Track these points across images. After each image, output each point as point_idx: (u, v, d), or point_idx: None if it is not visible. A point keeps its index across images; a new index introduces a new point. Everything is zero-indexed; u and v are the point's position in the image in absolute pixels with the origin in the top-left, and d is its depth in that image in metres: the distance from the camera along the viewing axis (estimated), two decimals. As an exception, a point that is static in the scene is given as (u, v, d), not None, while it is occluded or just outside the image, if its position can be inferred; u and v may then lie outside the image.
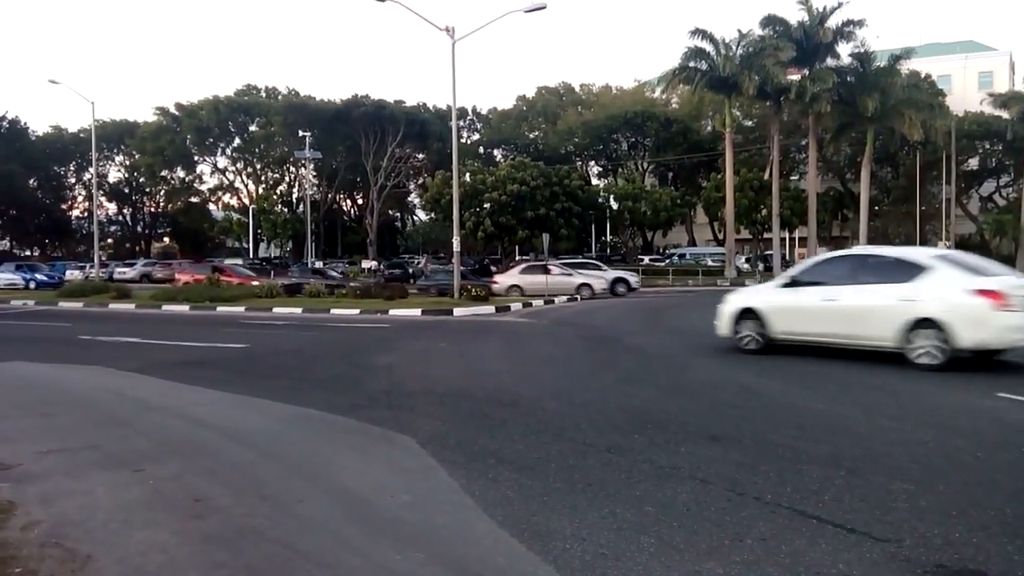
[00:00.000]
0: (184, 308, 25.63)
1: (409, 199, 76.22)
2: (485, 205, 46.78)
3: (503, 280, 31.53)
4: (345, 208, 78.12)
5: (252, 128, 68.06)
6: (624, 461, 6.09)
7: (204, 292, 27.91)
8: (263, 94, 70.67)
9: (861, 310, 11.33)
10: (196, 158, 70.33)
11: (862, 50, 46.18)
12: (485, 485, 5.49)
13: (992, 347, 10.61)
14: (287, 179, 72.93)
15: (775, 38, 46.07)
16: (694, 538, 4.42)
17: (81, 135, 65.98)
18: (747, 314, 12.78)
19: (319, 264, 51.01)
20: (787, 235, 56.71)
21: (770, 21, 46.74)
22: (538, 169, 48.11)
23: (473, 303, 24.89)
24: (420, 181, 69.55)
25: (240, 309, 24.82)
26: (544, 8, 25.98)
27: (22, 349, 14.81)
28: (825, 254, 14.97)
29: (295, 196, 71.44)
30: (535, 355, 13.58)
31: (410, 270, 46.27)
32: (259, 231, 61.96)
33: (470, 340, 16.03)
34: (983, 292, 10.35)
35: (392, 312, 22.97)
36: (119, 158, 72.39)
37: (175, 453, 6.61)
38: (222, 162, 71.17)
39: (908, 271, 11.11)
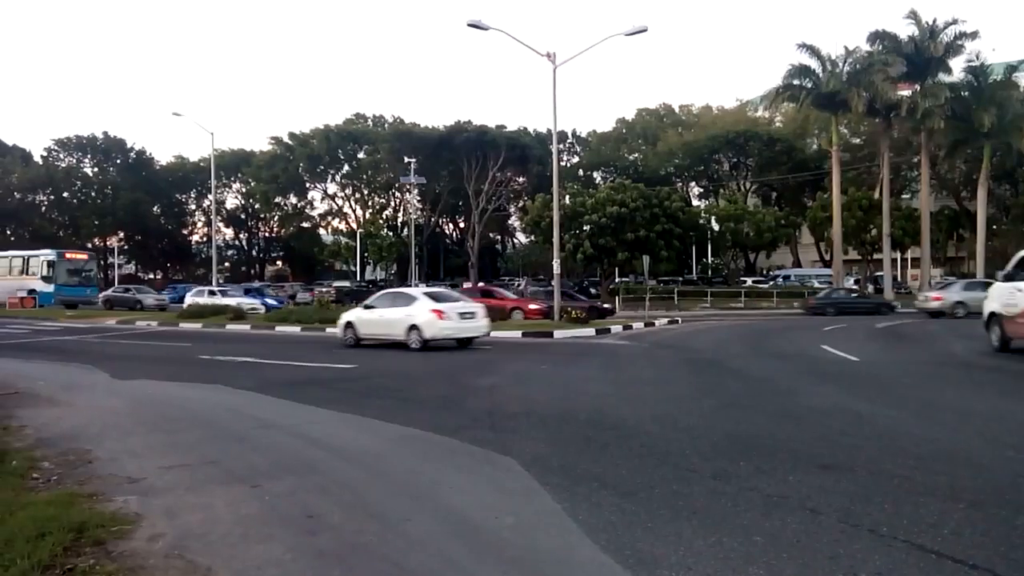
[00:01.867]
0: (295, 329, 26.58)
1: (509, 222, 76.97)
2: (585, 227, 46.72)
3: None
4: (447, 231, 79.52)
5: (360, 155, 70.37)
6: (730, 488, 5.96)
7: (314, 314, 28.91)
8: (370, 123, 72.98)
9: (390, 319, 19.61)
10: (307, 185, 73.17)
11: (976, 63, 44.15)
12: (588, 509, 5.48)
13: (438, 339, 19.05)
14: (392, 204, 74.87)
15: (884, 53, 44.54)
16: (806, 571, 4.29)
17: (201, 164, 69.67)
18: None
19: (421, 286, 51.95)
20: (899, 255, 54.33)
21: (878, 36, 45.26)
22: (638, 191, 47.75)
23: (573, 325, 24.87)
24: (520, 204, 70.16)
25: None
26: (645, 31, 25.94)
27: (147, 368, 15.68)
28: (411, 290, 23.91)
29: (400, 220, 73.22)
30: (636, 378, 13.46)
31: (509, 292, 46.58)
32: (366, 254, 63.79)
33: (571, 362, 16.02)
34: (434, 311, 18.98)
35: (493, 334, 23.19)
36: (236, 185, 75.97)
37: (289, 470, 6.86)
38: (332, 188, 73.88)
39: (409, 299, 19.96)
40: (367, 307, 20.72)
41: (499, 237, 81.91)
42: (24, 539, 4.85)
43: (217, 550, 4.79)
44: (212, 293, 37.58)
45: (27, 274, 43.67)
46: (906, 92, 45.17)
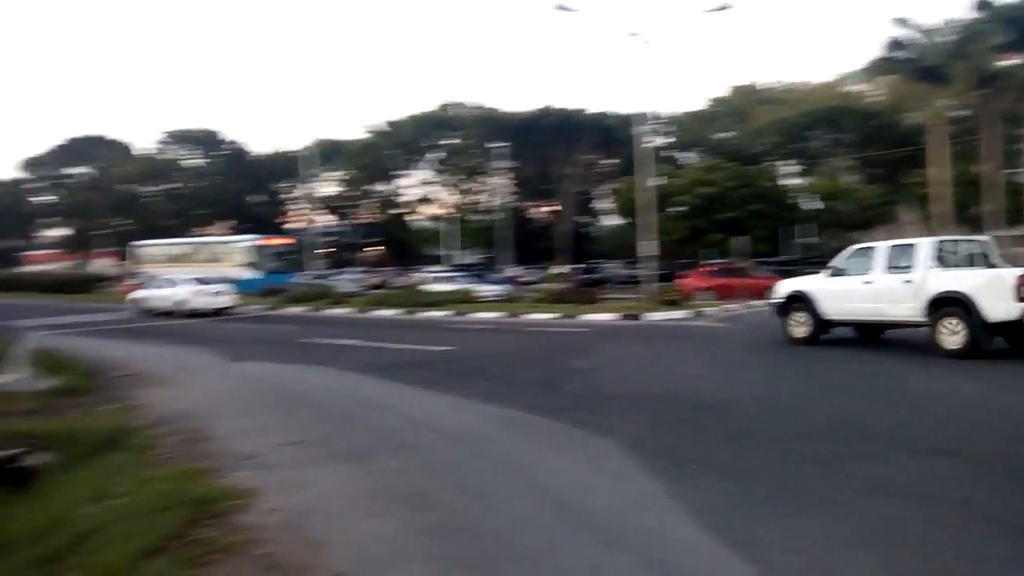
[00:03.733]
0: (392, 312, 27.19)
1: (599, 204, 76.46)
2: (676, 208, 46.07)
3: None
4: (537, 215, 79.63)
5: (450, 142, 71.09)
6: (836, 473, 5.85)
7: (410, 297, 29.47)
8: (459, 109, 73.60)
9: None
10: (400, 172, 74.40)
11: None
12: (689, 491, 5.48)
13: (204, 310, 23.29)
14: (483, 189, 75.43)
15: (986, 22, 42.11)
16: (924, 559, 4.19)
17: (300, 153, 71.77)
18: None
19: (513, 271, 52.17)
20: (1009, 232, 51.38)
21: (982, 6, 42.78)
22: (730, 170, 46.66)
23: (667, 307, 24.58)
24: (609, 186, 69.60)
25: (442, 313, 25.98)
26: (731, 7, 25.26)
27: (257, 350, 16.35)
28: None
29: (490, 205, 73.73)
30: (733, 360, 13.25)
31: (601, 275, 46.24)
32: (457, 239, 64.55)
33: (666, 344, 15.90)
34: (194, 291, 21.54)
35: (585, 317, 23.16)
36: (332, 174, 77.91)
37: (394, 449, 7.09)
38: (423, 175, 74.87)
39: None
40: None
41: (589, 220, 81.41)
42: (151, 511, 5.19)
43: (331, 524, 5.02)
44: (450, 279, 35.09)
45: (227, 261, 41.77)
46: (1013, 61, 42.71)
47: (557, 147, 61.91)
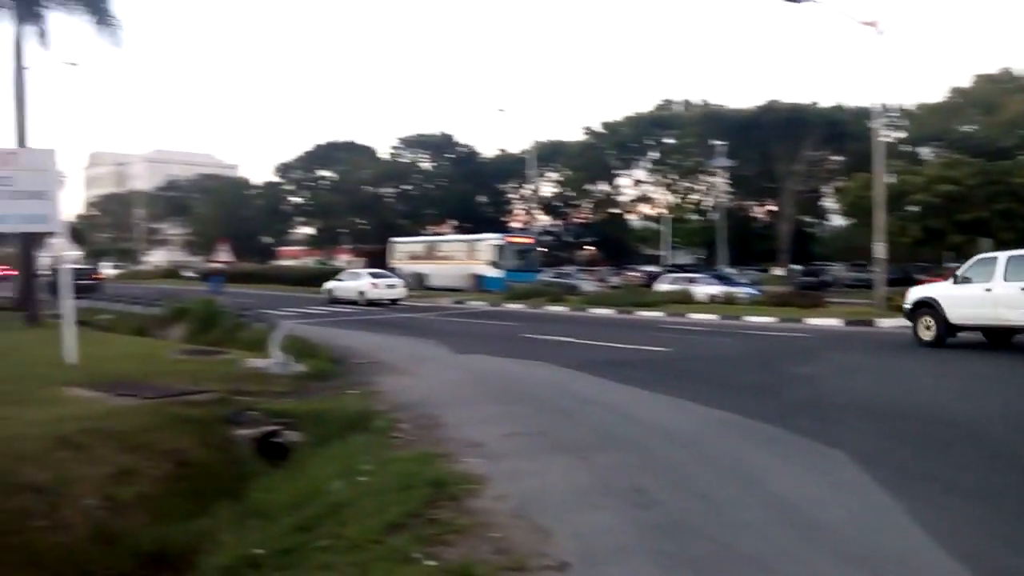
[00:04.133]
0: (608, 311, 27.35)
1: (823, 204, 72.27)
2: (911, 208, 42.49)
3: None
4: (756, 214, 76.67)
5: (668, 140, 70.18)
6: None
7: (626, 296, 29.51)
8: (678, 107, 72.46)
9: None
10: (617, 172, 74.52)
11: None
12: (930, 511, 5.13)
13: (381, 300, 31.11)
14: (700, 188, 73.81)
15: None
16: None
17: (521, 155, 73.91)
18: None
19: (729, 271, 50.57)
20: None
21: None
22: (975, 166, 42.28)
23: (899, 313, 22.82)
24: (836, 184, 65.55)
25: (658, 314, 25.77)
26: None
27: (480, 344, 17.09)
28: None
29: (707, 204, 72.00)
30: (973, 373, 12.14)
31: (825, 278, 43.79)
32: (673, 239, 63.61)
33: (896, 353, 14.84)
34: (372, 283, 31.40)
35: (809, 321, 22.08)
36: (552, 175, 79.51)
37: (614, 445, 7.18)
38: (640, 174, 74.50)
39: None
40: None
41: (812, 220, 77.26)
42: (395, 490, 5.62)
43: (555, 514, 5.18)
44: (690, 280, 32.92)
45: (473, 259, 42.42)
46: None
47: (781, 143, 59.19)
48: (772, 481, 5.95)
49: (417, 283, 42.74)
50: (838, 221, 69.24)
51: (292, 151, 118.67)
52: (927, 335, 15.31)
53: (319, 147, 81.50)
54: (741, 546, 4.57)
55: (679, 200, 70.87)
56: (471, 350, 15.79)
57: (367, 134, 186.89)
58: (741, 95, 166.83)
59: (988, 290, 14.03)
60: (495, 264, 40.73)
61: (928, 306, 15.40)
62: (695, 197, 73.67)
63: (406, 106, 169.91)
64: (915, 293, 16.31)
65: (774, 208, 70.20)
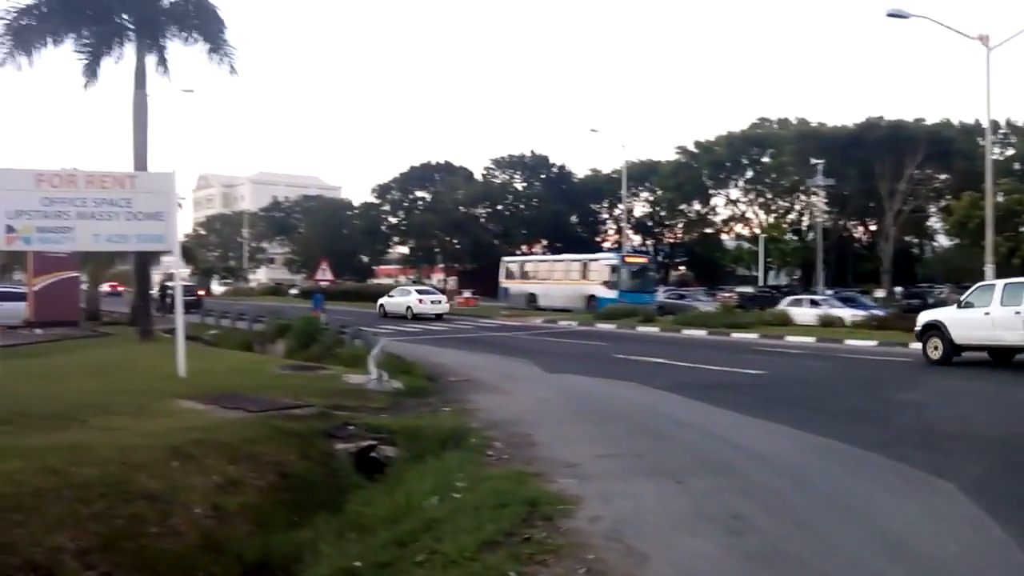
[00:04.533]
0: (702, 332, 26.90)
1: (928, 223, 69.30)
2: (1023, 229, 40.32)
3: None
4: (856, 235, 74.14)
5: (764, 159, 68.76)
6: None
7: (720, 318, 28.99)
8: (774, 126, 70.96)
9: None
10: (711, 191, 73.39)
11: None
12: (1050, 548, 4.84)
13: (426, 314, 34.39)
14: (797, 207, 71.95)
15: None
16: None
17: (613, 175, 73.67)
18: None
19: (826, 293, 48.85)
20: None
21: None
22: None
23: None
24: (942, 204, 62.81)
25: (753, 336, 25.20)
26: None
27: (570, 363, 17.08)
28: None
29: (804, 224, 70.06)
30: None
31: (930, 300, 41.83)
32: (768, 259, 62.07)
33: (1010, 380, 14.11)
34: (418, 299, 35.07)
35: (914, 345, 21.18)
36: (644, 194, 78.97)
37: (709, 469, 7.06)
38: (734, 194, 73.13)
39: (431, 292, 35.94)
40: None
41: (916, 240, 74.17)
42: (490, 507, 5.67)
43: (650, 538, 5.12)
44: (814, 303, 31.69)
45: (587, 279, 41.15)
46: None
47: (883, 161, 57.11)
48: (875, 511, 5.74)
49: (527, 303, 42.33)
50: (943, 241, 66.45)
51: (391, 172, 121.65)
52: (935, 354, 16.62)
53: (414, 168, 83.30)
54: (843, 578, 4.42)
55: (775, 220, 69.18)
56: (562, 369, 15.80)
57: (461, 155, 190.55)
58: (839, 112, 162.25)
59: (987, 314, 15.57)
60: (610, 284, 39.42)
61: (936, 328, 16.81)
62: (792, 217, 71.88)
63: (499, 126, 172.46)
64: (924, 317, 17.78)
65: (875, 228, 67.80)
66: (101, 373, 12.93)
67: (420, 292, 37.71)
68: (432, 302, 35.95)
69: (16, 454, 6.27)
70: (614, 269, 39.89)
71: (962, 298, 17.26)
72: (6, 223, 11.24)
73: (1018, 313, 14.91)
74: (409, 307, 35.28)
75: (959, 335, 16.17)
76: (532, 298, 42.69)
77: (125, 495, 6.02)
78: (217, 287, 72.66)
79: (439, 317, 35.19)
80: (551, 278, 43.88)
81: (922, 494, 6.28)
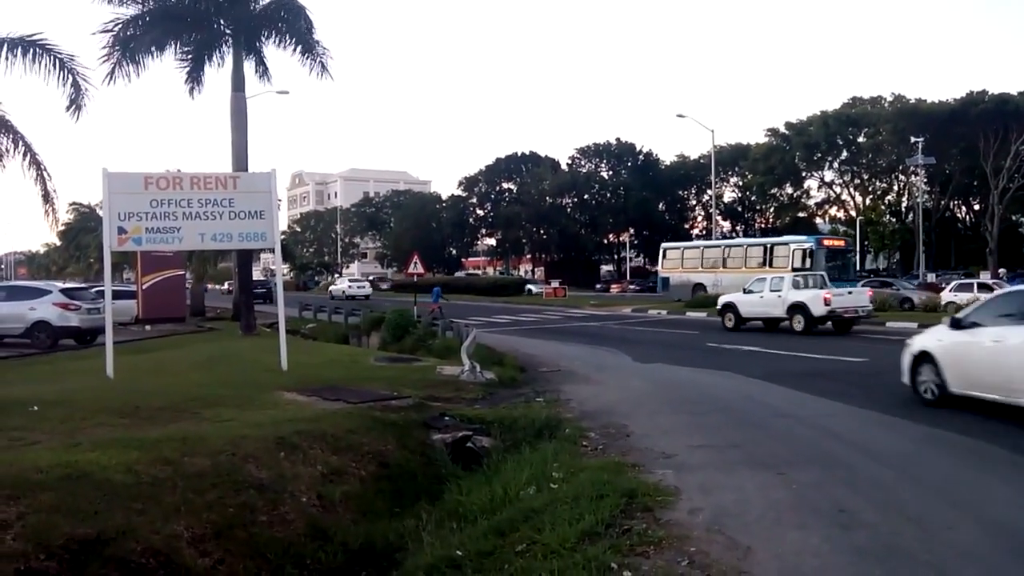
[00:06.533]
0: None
1: (1038, 201, 65.59)
2: None
3: None
4: (959, 215, 70.71)
5: (860, 139, 66.25)
6: None
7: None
8: (868, 105, 68.26)
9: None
10: (804, 174, 71.21)
11: None
12: None
13: (351, 296, 51.04)
14: (896, 188, 69.13)
15: None
16: None
17: (701, 161, 72.40)
18: None
19: (932, 276, 46.84)
20: None
21: None
22: None
23: None
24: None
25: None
26: None
27: (662, 352, 16.89)
28: None
29: (904, 205, 67.26)
30: None
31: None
32: (866, 242, 59.89)
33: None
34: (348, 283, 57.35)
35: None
36: (733, 179, 77.31)
37: (811, 461, 6.88)
38: (829, 176, 70.74)
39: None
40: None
41: (1023, 219, 70.17)
42: (587, 498, 5.67)
43: (753, 531, 5.03)
44: (984, 287, 28.65)
45: (771, 266, 34.63)
46: None
47: (988, 138, 54.24)
48: (991, 505, 5.50)
49: (693, 295, 36.65)
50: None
51: (478, 165, 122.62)
52: (729, 324, 23.39)
53: (500, 160, 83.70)
54: (958, 575, 4.23)
55: (872, 202, 66.66)
56: (653, 359, 15.65)
57: (547, 145, 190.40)
58: (939, 87, 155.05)
59: (761, 297, 22.97)
60: (803, 271, 32.47)
61: (730, 307, 23.78)
62: (890, 198, 69.17)
63: (585, 115, 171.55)
64: (722, 300, 24.82)
65: (979, 207, 64.53)
66: (208, 367, 13.48)
67: (351, 280, 58.15)
68: (359, 287, 55.15)
69: (134, 445, 6.59)
70: (808, 254, 34.41)
71: (744, 287, 24.08)
72: (118, 225, 11.83)
73: (780, 296, 22.19)
74: (343, 289, 53.63)
75: (745, 311, 23.22)
76: (699, 289, 37.23)
77: (235, 485, 6.25)
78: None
79: (367, 298, 49.24)
80: (724, 266, 38.13)
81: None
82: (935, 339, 9.84)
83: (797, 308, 21.59)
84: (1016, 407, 8.23)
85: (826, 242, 36.52)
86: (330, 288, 56.26)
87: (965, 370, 9.12)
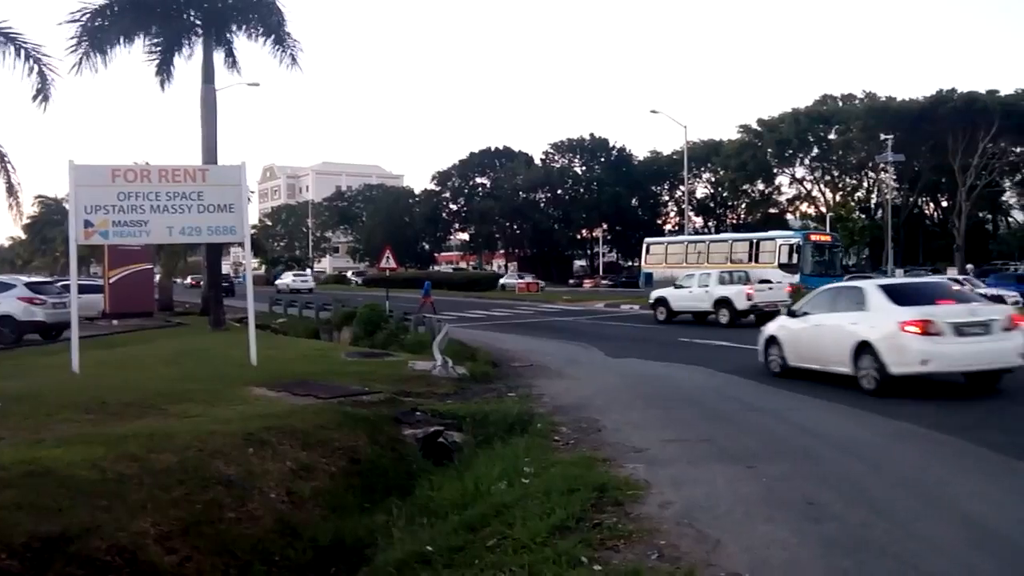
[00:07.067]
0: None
1: (1003, 199, 66.78)
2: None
3: None
4: (927, 212, 71.80)
5: (830, 136, 67.00)
6: None
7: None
8: (839, 102, 69.01)
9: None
10: (775, 170, 71.84)
11: None
12: None
13: (295, 289, 51.91)
14: (865, 184, 70.03)
15: None
16: None
17: (674, 157, 72.69)
18: None
19: (898, 271, 47.34)
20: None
21: None
22: None
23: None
24: (1017, 178, 60.40)
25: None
26: None
27: (633, 347, 16.96)
28: None
29: (873, 201, 68.17)
30: None
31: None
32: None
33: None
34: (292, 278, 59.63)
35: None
36: (706, 175, 77.75)
37: (781, 454, 6.93)
38: (800, 172, 71.47)
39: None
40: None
41: (989, 216, 71.53)
42: (559, 493, 5.67)
43: (723, 524, 5.05)
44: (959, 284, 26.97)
45: (758, 261, 34.02)
46: None
47: (956, 136, 55.10)
48: (958, 498, 5.57)
49: None
50: (1019, 217, 64.10)
51: (451, 159, 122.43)
52: (661, 317, 24.83)
53: (474, 155, 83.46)
54: (929, 568, 4.28)
55: (842, 198, 67.42)
56: (625, 354, 15.70)
57: (521, 140, 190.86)
58: (908, 86, 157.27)
59: (691, 292, 24.13)
60: (788, 268, 33.03)
61: (662, 301, 25.02)
62: (860, 194, 70.01)
63: (558, 110, 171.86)
64: (653, 294, 25.98)
65: (947, 204, 65.56)
66: (176, 362, 13.31)
67: (295, 275, 60.67)
68: (302, 280, 58.53)
69: (99, 441, 6.48)
70: (795, 249, 33.79)
71: (675, 282, 25.52)
72: (84, 218, 11.63)
73: (707, 291, 23.37)
74: (289, 284, 56.60)
75: (676, 305, 24.41)
76: None
77: (203, 481, 6.17)
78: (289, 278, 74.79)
79: (311, 291, 52.05)
80: (708, 261, 36.59)
81: (1007, 479, 6.08)
82: (779, 325, 12.19)
83: (723, 303, 22.83)
84: (833, 373, 10.56)
85: (813, 237, 36.04)
86: (276, 282, 59.84)
87: (796, 348, 11.56)
